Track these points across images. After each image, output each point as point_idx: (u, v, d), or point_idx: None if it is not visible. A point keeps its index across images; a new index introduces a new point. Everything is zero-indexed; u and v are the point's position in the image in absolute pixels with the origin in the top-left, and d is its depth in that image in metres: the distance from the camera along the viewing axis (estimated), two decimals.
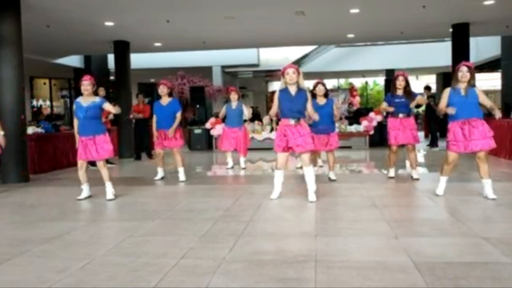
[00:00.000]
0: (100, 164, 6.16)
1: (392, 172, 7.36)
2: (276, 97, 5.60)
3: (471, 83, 5.46)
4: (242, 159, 9.31)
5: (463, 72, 5.45)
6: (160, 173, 7.88)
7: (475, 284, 2.88)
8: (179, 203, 5.82)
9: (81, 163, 6.12)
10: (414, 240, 3.93)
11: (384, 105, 7.12)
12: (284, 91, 5.50)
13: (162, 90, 7.61)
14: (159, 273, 3.20)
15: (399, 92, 6.98)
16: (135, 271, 3.27)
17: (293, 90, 5.48)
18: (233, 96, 9.09)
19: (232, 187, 7.32)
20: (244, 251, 3.68)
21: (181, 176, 7.65)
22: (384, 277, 3.03)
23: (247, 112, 9.11)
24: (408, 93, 6.97)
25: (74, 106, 6.17)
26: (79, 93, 6.19)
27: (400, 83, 6.97)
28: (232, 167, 9.31)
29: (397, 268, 3.19)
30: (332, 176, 7.36)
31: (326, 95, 7.13)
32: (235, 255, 3.58)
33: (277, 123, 14.10)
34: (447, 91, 5.61)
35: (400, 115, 6.99)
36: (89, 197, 6.22)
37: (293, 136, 5.48)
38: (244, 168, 9.22)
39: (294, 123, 5.49)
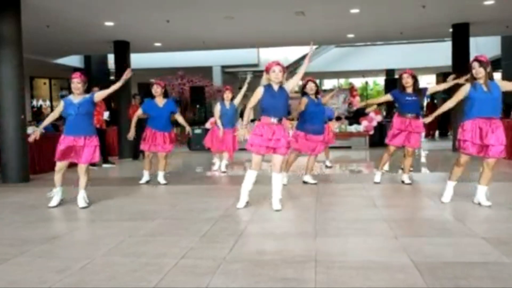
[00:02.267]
0: (82, 169, 5.67)
1: (379, 177, 6.92)
2: (258, 92, 5.19)
3: (490, 77, 5.06)
4: (225, 162, 8.86)
5: (476, 69, 5.04)
6: (146, 176, 7.63)
7: (475, 284, 2.89)
8: (179, 203, 5.82)
9: (61, 166, 5.66)
10: (414, 240, 3.93)
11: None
12: (268, 87, 5.18)
13: (156, 90, 7.32)
14: (159, 273, 3.20)
15: (409, 90, 6.52)
16: (135, 271, 3.27)
17: (276, 87, 5.17)
18: (227, 95, 8.70)
19: (232, 187, 7.31)
20: (244, 251, 3.68)
21: (161, 179, 7.45)
22: (384, 277, 3.03)
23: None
24: (418, 91, 6.54)
25: (62, 104, 5.64)
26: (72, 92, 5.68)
27: (406, 80, 6.53)
28: (218, 169, 8.85)
29: (397, 268, 3.19)
30: (311, 180, 7.04)
31: (317, 93, 6.84)
32: (235, 255, 3.58)
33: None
34: (465, 88, 5.16)
35: (409, 115, 6.53)
36: (60, 201, 5.75)
37: (274, 137, 5.17)
38: (224, 172, 8.74)
39: (277, 122, 5.18)
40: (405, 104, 6.59)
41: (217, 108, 8.73)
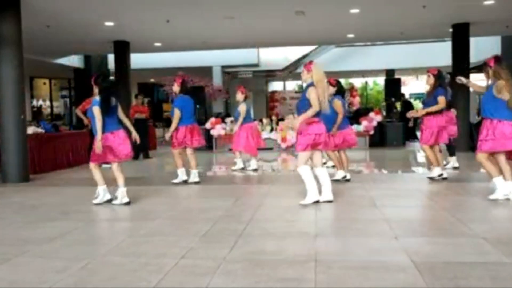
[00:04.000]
0: (113, 168, 5.80)
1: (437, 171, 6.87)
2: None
3: (493, 79, 5.26)
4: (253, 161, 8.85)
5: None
6: (182, 175, 7.33)
7: (475, 284, 2.89)
8: (179, 203, 5.82)
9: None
10: (414, 240, 3.93)
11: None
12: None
13: (172, 87, 7.43)
14: (159, 273, 3.20)
15: (429, 89, 6.73)
16: (135, 271, 3.27)
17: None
18: (238, 96, 8.81)
19: (232, 187, 7.32)
20: (244, 251, 3.68)
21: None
22: (384, 277, 3.03)
23: (240, 110, 8.69)
24: (433, 88, 6.65)
25: None
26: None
27: (426, 79, 6.78)
28: (242, 168, 8.85)
29: (397, 268, 3.19)
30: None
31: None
32: (235, 255, 3.58)
33: (277, 123, 14.21)
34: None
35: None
36: (108, 201, 5.78)
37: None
38: (236, 170, 8.86)
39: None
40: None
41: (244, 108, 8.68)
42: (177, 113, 7.11)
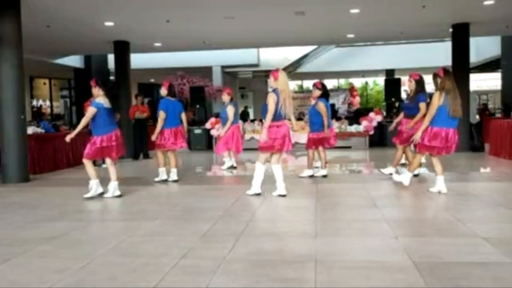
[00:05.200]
0: (108, 163, 6.33)
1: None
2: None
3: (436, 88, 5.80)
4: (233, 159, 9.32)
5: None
6: (163, 174, 7.67)
7: (475, 284, 2.89)
8: (179, 203, 5.82)
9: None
10: (414, 240, 3.93)
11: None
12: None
13: (160, 90, 7.61)
14: (159, 273, 3.20)
15: (411, 94, 6.98)
16: (135, 271, 3.27)
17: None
18: (223, 97, 9.11)
19: (232, 187, 7.32)
20: (244, 251, 3.68)
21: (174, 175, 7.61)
22: (384, 277, 3.03)
23: (228, 112, 8.86)
24: (414, 93, 6.89)
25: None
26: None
27: (408, 84, 7.07)
28: (231, 167, 9.23)
29: (397, 268, 3.19)
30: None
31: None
32: (235, 255, 3.58)
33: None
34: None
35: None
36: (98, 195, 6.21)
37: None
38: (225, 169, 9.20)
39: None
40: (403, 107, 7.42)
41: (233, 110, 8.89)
42: (161, 115, 7.37)
